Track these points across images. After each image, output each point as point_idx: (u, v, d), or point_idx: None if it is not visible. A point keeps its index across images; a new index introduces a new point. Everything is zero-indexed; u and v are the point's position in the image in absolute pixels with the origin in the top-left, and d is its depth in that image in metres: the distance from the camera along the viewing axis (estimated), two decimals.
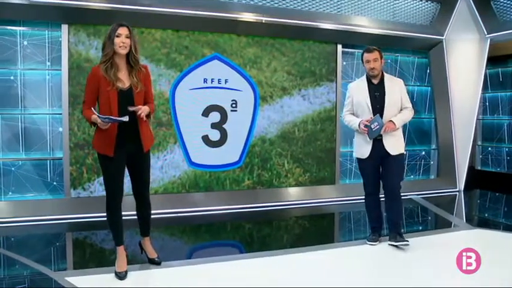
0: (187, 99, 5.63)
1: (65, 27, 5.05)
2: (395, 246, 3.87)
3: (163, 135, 5.53)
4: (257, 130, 6.00)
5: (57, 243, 4.44)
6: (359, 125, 3.86)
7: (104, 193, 3.24)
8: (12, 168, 5.02)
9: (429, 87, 7.22)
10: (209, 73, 5.73)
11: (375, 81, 3.90)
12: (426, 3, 6.84)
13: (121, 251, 3.20)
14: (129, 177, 3.32)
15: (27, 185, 5.06)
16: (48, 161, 5.15)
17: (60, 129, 5.14)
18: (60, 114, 5.12)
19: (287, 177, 6.20)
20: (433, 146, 7.32)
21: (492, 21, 6.63)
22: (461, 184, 7.01)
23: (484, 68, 6.84)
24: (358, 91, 3.95)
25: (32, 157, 5.09)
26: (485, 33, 6.69)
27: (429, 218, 5.69)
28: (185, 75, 5.61)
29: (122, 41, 3.05)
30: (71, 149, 5.12)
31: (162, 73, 5.50)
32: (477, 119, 7.32)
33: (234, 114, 5.86)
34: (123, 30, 3.06)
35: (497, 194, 7.07)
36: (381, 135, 3.81)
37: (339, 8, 6.33)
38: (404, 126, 6.69)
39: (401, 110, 3.91)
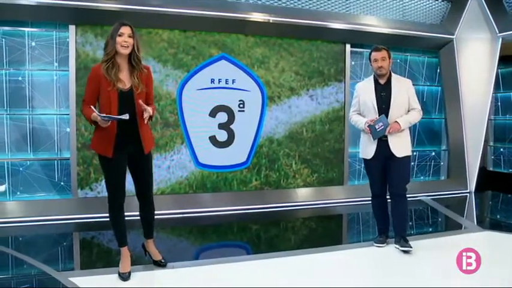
0: (195, 99, 5.61)
1: (72, 28, 5.06)
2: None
3: (170, 135, 5.52)
4: (265, 130, 5.97)
5: (63, 243, 4.45)
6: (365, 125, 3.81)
7: None
8: (20, 169, 5.05)
9: (439, 87, 7.12)
10: (216, 73, 5.71)
11: (382, 81, 3.84)
12: (436, 1, 6.75)
13: (125, 252, 3.19)
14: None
15: (35, 185, 5.09)
16: (55, 161, 5.17)
17: (68, 129, 5.16)
18: (68, 114, 5.14)
19: (295, 178, 6.15)
20: (444, 147, 7.22)
21: (504, 20, 6.52)
22: (472, 185, 6.91)
23: (496, 68, 6.75)
24: (364, 91, 3.90)
25: (40, 157, 5.11)
26: (497, 31, 6.58)
27: (439, 219, 5.61)
28: (192, 76, 5.60)
29: (124, 40, 3.00)
30: (78, 150, 5.14)
31: (169, 73, 5.49)
32: (489, 119, 7.20)
33: (242, 114, 5.84)
34: (125, 30, 3.01)
35: (509, 195, 6.93)
36: (386, 136, 3.74)
37: (347, 7, 6.27)
38: (412, 127, 6.65)
39: (409, 111, 3.84)
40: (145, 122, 3.08)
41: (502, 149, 7.92)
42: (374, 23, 6.30)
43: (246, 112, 5.85)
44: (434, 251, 3.85)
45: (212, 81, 5.69)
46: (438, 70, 7.09)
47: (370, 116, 3.80)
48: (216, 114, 5.72)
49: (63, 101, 5.17)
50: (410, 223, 5.16)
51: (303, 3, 6.01)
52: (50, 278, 3.22)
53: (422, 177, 7.07)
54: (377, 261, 3.71)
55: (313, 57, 6.16)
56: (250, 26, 5.72)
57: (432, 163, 7.14)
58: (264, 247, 4.47)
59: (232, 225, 5.26)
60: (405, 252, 3.75)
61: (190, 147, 5.63)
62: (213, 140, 5.73)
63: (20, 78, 5.02)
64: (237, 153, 5.85)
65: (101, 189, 5.21)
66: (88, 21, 5.11)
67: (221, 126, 5.75)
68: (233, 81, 5.78)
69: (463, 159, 6.90)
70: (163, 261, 3.39)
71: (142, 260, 3.50)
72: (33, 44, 5.05)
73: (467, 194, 6.80)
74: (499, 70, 7.38)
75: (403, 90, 3.82)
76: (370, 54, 3.86)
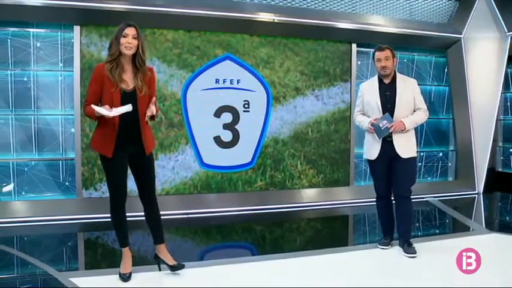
0: (199, 99, 5.60)
1: (77, 29, 5.07)
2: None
3: (174, 136, 5.51)
4: (270, 131, 5.93)
5: (67, 244, 4.46)
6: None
7: None
8: (25, 169, 5.07)
9: (447, 87, 7.04)
10: (221, 73, 5.68)
11: (387, 81, 3.78)
12: (444, 0, 6.68)
13: (126, 253, 3.17)
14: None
15: (40, 185, 5.11)
16: (60, 162, 5.19)
17: (73, 130, 5.17)
18: (72, 115, 5.15)
19: (300, 178, 6.11)
20: (451, 147, 7.13)
21: None
22: (480, 186, 6.81)
23: (505, 67, 6.64)
24: (368, 90, 3.84)
25: (45, 157, 5.13)
26: (506, 30, 6.48)
27: (446, 221, 5.53)
28: (197, 76, 5.59)
29: (128, 41, 2.97)
30: (82, 150, 5.14)
31: (173, 73, 5.48)
32: (498, 120, 7.11)
33: (247, 114, 5.81)
34: (130, 31, 2.99)
35: None
36: (391, 136, 3.68)
37: (353, 7, 6.22)
38: (419, 127, 6.59)
39: (414, 111, 3.78)
40: (145, 119, 3.05)
41: (511, 150, 7.81)
42: (380, 23, 6.24)
43: (251, 112, 5.82)
44: (440, 254, 3.77)
45: (217, 81, 5.67)
46: (446, 70, 7.01)
47: (374, 116, 3.75)
48: (221, 114, 5.70)
49: (68, 101, 5.18)
50: (417, 224, 5.11)
51: (308, 2, 5.97)
52: (51, 278, 3.21)
53: (429, 178, 6.99)
54: (381, 264, 3.66)
55: (319, 57, 6.11)
56: (255, 26, 5.69)
57: (440, 164, 7.06)
58: (268, 248, 4.45)
59: (236, 225, 5.23)
60: (410, 257, 3.69)
61: (194, 147, 5.61)
62: (217, 140, 5.71)
63: (25, 79, 5.05)
64: (242, 154, 5.82)
65: (105, 189, 5.19)
66: (92, 21, 5.11)
67: (226, 126, 5.73)
68: (238, 81, 5.75)
69: (471, 160, 6.81)
70: (179, 264, 3.22)
71: (144, 261, 3.49)
72: (38, 44, 5.06)
73: (476, 195, 6.71)
74: (508, 69, 7.29)
75: (408, 89, 3.75)
76: (373, 54, 3.81)
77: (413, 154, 3.77)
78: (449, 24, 6.73)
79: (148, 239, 3.45)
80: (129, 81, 3.05)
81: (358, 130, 6.13)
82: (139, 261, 3.45)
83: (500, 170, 7.94)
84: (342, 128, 6.25)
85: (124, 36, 2.98)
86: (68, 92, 5.17)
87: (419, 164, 6.85)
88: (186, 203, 5.48)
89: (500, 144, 7.96)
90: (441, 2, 6.68)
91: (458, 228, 5.19)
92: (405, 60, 6.73)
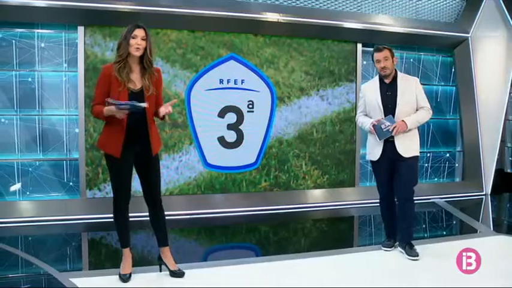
0: (203, 100, 5.58)
1: (81, 29, 5.09)
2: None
3: (178, 136, 5.50)
4: (274, 131, 5.90)
5: (70, 244, 4.46)
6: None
7: None
8: (30, 169, 5.09)
9: (454, 87, 6.96)
10: (225, 73, 5.67)
11: (387, 81, 3.73)
12: None
13: (127, 254, 3.15)
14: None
15: (44, 185, 5.12)
16: (64, 162, 5.20)
17: (77, 130, 5.18)
18: (77, 115, 5.16)
19: (305, 179, 6.07)
20: (458, 148, 7.05)
21: None
22: (488, 187, 6.72)
23: None
24: (370, 91, 3.80)
25: (49, 158, 5.14)
26: None
27: (453, 222, 5.46)
28: (201, 76, 5.57)
29: (137, 42, 2.98)
30: (86, 150, 5.15)
31: (177, 74, 5.47)
32: (506, 120, 7.01)
33: (251, 115, 5.78)
34: (139, 32, 2.99)
35: None
36: (393, 136, 3.63)
37: (359, 6, 6.18)
38: (426, 127, 6.53)
39: (417, 110, 3.72)
40: (160, 115, 3.06)
41: None
42: (386, 22, 6.19)
43: (255, 113, 5.80)
44: (445, 256, 3.69)
45: (221, 81, 5.65)
46: (453, 69, 6.93)
47: (376, 116, 3.70)
48: (225, 114, 5.68)
49: (72, 101, 5.19)
50: (423, 226, 5.05)
51: (313, 2, 5.93)
52: (51, 278, 3.21)
53: (436, 179, 6.91)
54: (384, 265, 3.60)
55: (324, 56, 6.07)
56: (259, 26, 5.67)
57: (447, 164, 6.98)
58: (272, 249, 4.42)
59: (240, 226, 5.21)
60: (412, 259, 3.63)
61: (198, 147, 5.60)
62: (221, 140, 5.69)
63: (29, 79, 5.06)
64: (246, 154, 5.80)
65: (109, 189, 5.21)
66: (96, 22, 5.12)
67: (230, 126, 5.71)
68: (242, 81, 5.73)
69: (479, 161, 6.72)
70: (179, 271, 3.21)
71: (146, 261, 3.48)
72: (43, 45, 5.08)
73: (483, 197, 6.62)
74: None
75: (409, 88, 3.69)
76: (372, 55, 3.76)
77: (416, 153, 3.71)
78: (456, 24, 6.65)
79: (152, 240, 3.44)
80: (136, 81, 3.06)
81: (363, 131, 6.07)
82: (141, 262, 3.44)
83: (508, 171, 7.82)
84: (347, 129, 6.21)
85: (133, 38, 2.99)
86: (72, 92, 5.18)
87: (426, 164, 6.77)
88: (190, 204, 5.46)
89: (509, 144, 7.84)
90: (448, 1, 6.62)
91: (465, 230, 5.11)
92: (412, 59, 6.67)
